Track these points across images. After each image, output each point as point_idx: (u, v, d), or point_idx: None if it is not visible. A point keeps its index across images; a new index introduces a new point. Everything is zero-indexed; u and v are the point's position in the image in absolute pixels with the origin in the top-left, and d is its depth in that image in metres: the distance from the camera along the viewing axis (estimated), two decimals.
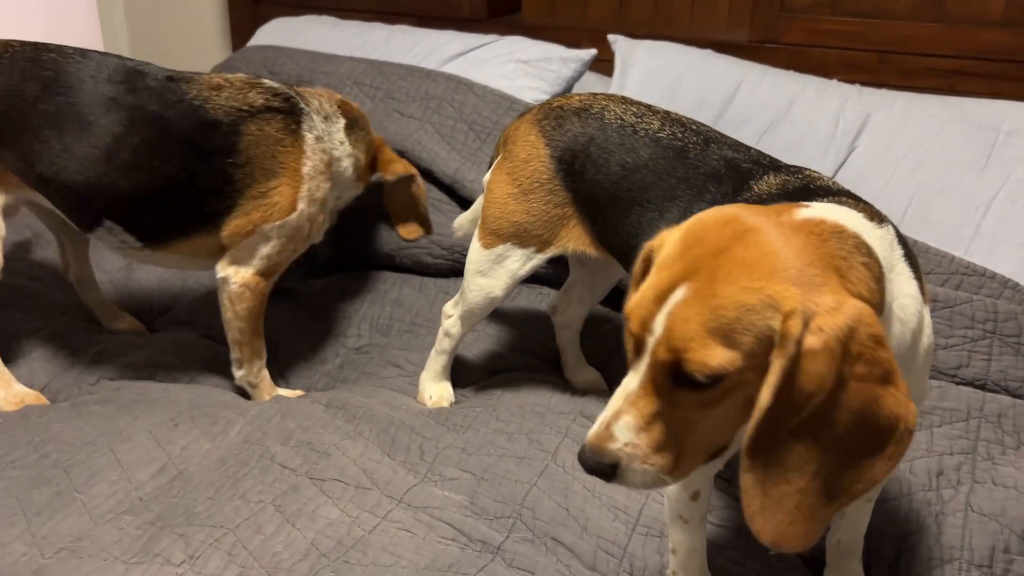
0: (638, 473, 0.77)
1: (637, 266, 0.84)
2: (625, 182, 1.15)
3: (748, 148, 1.13)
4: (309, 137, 1.44)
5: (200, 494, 1.14)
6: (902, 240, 0.89)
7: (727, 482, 1.22)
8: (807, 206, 0.80)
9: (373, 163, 1.64)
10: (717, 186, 1.06)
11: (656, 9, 2.24)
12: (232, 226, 1.39)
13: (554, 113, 1.26)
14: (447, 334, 1.42)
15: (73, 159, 1.31)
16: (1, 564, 1.02)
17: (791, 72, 1.91)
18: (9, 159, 1.33)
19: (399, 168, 1.66)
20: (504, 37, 2.13)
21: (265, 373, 1.49)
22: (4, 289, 1.64)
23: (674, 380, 0.74)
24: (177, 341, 1.60)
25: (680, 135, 1.15)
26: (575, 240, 1.26)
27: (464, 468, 1.19)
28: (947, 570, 1.06)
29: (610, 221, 1.17)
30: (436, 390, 1.44)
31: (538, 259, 1.30)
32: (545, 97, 1.94)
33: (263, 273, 1.44)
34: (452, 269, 1.78)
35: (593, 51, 2.02)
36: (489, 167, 1.36)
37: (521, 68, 2.00)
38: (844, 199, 0.91)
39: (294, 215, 1.42)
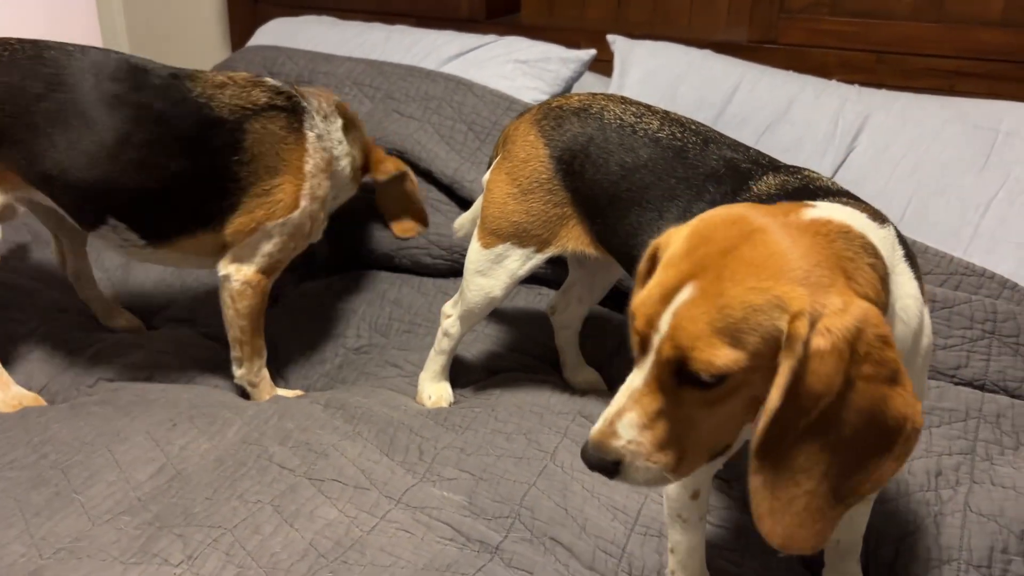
0: (641, 471, 0.77)
1: (643, 263, 0.84)
2: (624, 182, 1.15)
3: (747, 148, 1.13)
4: (311, 135, 1.45)
5: (198, 494, 1.14)
6: (902, 240, 0.90)
7: (726, 482, 1.22)
8: (813, 206, 0.80)
9: (365, 165, 1.64)
10: (716, 186, 1.06)
11: (655, 9, 2.24)
12: (236, 223, 1.39)
13: (553, 113, 1.26)
14: (446, 334, 1.42)
15: (78, 157, 1.31)
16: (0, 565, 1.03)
17: (790, 72, 1.91)
18: (11, 158, 1.32)
19: (391, 167, 1.67)
20: (503, 37, 2.13)
21: (265, 372, 1.50)
22: (2, 289, 1.65)
23: (679, 378, 0.74)
24: (175, 340, 1.60)
25: (679, 135, 1.15)
26: (574, 240, 1.26)
27: (463, 468, 1.19)
28: (945, 571, 1.06)
29: (609, 221, 1.17)
30: (435, 390, 1.44)
31: (537, 259, 1.30)
32: (544, 97, 1.94)
33: (264, 271, 1.44)
34: (451, 269, 1.78)
35: (592, 51, 2.02)
36: (488, 167, 1.36)
37: (520, 68, 2.00)
38: (844, 200, 0.91)
39: (296, 212, 1.43)
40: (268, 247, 1.43)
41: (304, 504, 1.11)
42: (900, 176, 1.66)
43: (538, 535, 1.09)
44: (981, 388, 1.38)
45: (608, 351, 1.56)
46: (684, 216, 1.06)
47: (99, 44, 2.97)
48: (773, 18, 2.05)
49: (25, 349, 1.52)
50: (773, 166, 1.07)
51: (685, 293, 0.73)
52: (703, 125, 1.19)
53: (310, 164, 1.44)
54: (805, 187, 0.99)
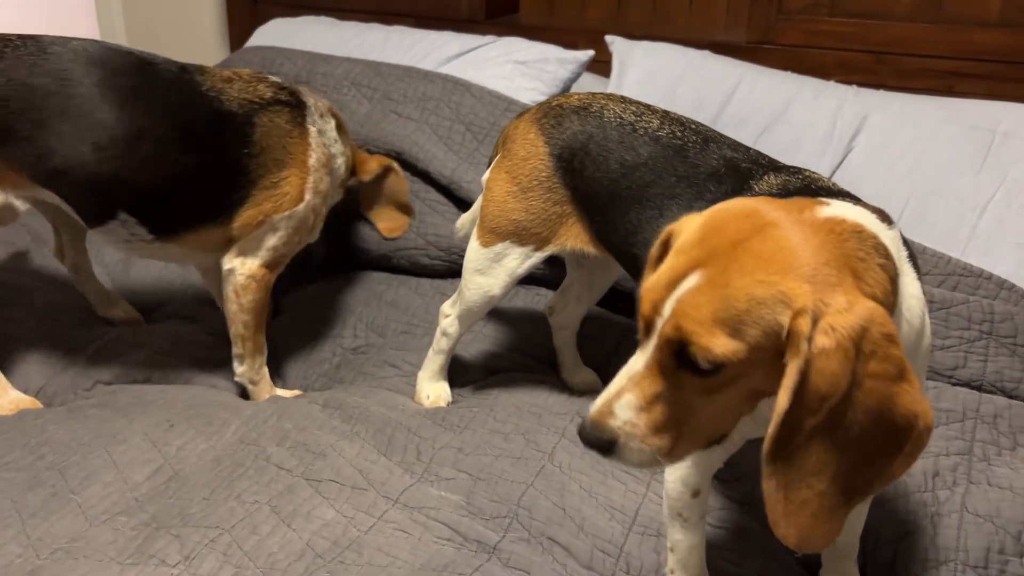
0: (635, 452, 0.78)
1: (655, 248, 0.85)
2: (625, 180, 1.15)
3: (747, 148, 1.13)
4: (313, 130, 1.48)
5: (196, 495, 1.14)
6: (905, 241, 0.90)
7: (724, 483, 1.22)
8: (828, 204, 0.80)
9: (352, 169, 1.66)
10: (717, 185, 1.06)
11: (654, 10, 2.24)
12: (244, 216, 1.40)
13: (553, 112, 1.27)
14: (445, 333, 1.42)
15: (90, 151, 1.30)
16: None
17: (788, 73, 1.91)
18: (16, 156, 1.30)
19: (374, 166, 1.68)
20: (502, 38, 2.13)
21: (265, 370, 1.50)
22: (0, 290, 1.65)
23: (678, 363, 0.75)
24: (174, 339, 1.59)
25: (679, 134, 1.15)
26: (573, 238, 1.26)
27: (460, 468, 1.19)
28: (943, 571, 1.06)
29: (609, 219, 1.18)
30: (433, 390, 1.44)
31: (537, 257, 1.30)
32: (542, 98, 1.94)
33: (268, 265, 1.45)
34: (449, 270, 1.78)
35: (590, 52, 2.02)
36: (488, 167, 1.36)
37: (519, 69, 2.00)
38: (846, 200, 0.91)
39: (301, 205, 1.45)
40: (273, 240, 1.44)
41: (302, 504, 1.11)
42: (898, 177, 1.66)
43: (536, 535, 1.09)
44: (978, 389, 1.38)
45: (606, 351, 1.56)
46: (684, 214, 1.06)
47: None
48: (771, 19, 2.05)
49: (22, 351, 1.52)
50: (774, 166, 1.07)
51: (692, 280, 0.74)
52: (703, 124, 1.19)
53: (313, 158, 1.46)
54: (807, 187, 0.99)
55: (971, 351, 1.39)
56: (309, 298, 1.81)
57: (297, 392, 1.52)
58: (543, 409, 1.33)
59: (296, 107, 1.47)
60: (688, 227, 0.79)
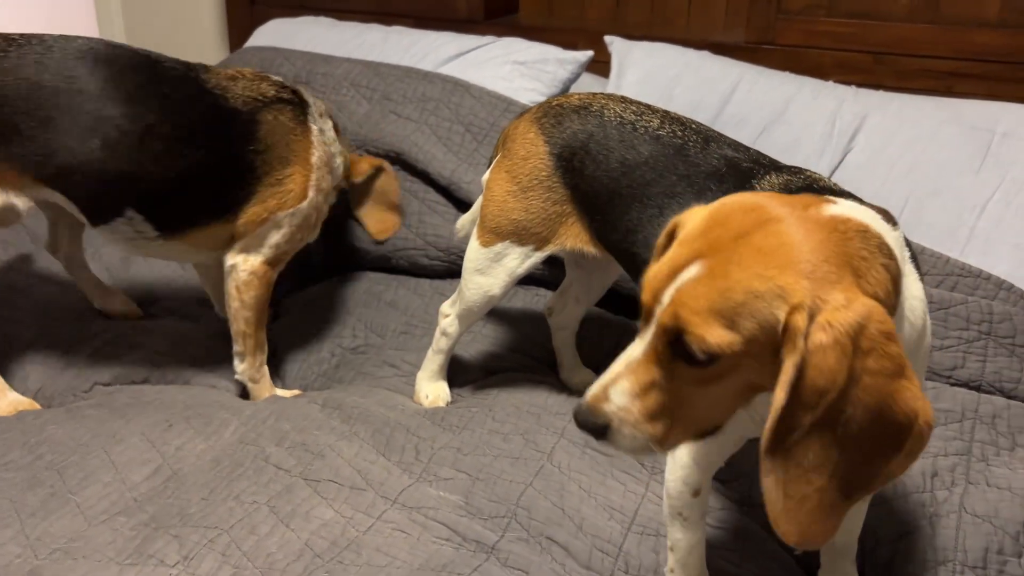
0: (627, 438, 0.78)
1: (661, 239, 0.85)
2: (625, 179, 1.15)
3: (747, 148, 1.13)
4: (314, 128, 1.49)
5: (194, 495, 1.14)
6: (907, 242, 0.90)
7: (724, 483, 1.22)
8: (835, 202, 0.80)
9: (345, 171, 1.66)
10: (718, 184, 1.06)
11: (653, 10, 2.24)
12: (249, 213, 1.41)
13: (553, 111, 1.27)
14: (444, 333, 1.42)
15: (99, 148, 1.30)
16: None
17: (787, 73, 1.91)
18: (20, 155, 1.29)
19: (366, 167, 1.68)
20: (501, 38, 2.13)
21: (266, 369, 1.50)
22: None
23: (674, 352, 0.75)
24: (173, 340, 1.59)
25: (680, 133, 1.15)
26: (573, 238, 1.26)
27: (459, 468, 1.19)
28: (941, 571, 1.06)
29: (609, 218, 1.18)
30: (432, 390, 1.44)
31: (536, 257, 1.30)
32: (541, 99, 1.94)
33: (270, 262, 1.46)
34: (448, 270, 1.78)
35: (590, 53, 2.02)
36: (488, 167, 1.36)
37: (518, 69, 2.00)
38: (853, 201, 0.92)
39: (305, 203, 1.46)
40: (276, 237, 1.45)
41: (300, 504, 1.11)
42: (897, 177, 1.66)
43: (534, 535, 1.09)
44: (977, 389, 1.38)
45: (605, 352, 1.56)
46: None
47: None
48: (770, 19, 2.05)
49: (21, 352, 1.52)
50: (775, 166, 1.07)
51: (692, 271, 0.74)
52: (703, 124, 1.19)
53: (315, 156, 1.47)
54: (808, 187, 0.99)
55: (970, 351, 1.39)
56: (308, 299, 1.81)
57: (296, 392, 1.52)
58: (542, 409, 1.33)
59: (298, 106, 1.48)
60: (693, 219, 0.80)
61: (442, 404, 1.43)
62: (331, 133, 1.55)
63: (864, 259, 0.74)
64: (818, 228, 0.74)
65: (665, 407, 0.77)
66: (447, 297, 1.47)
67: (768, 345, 0.72)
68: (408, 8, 2.50)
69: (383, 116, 1.92)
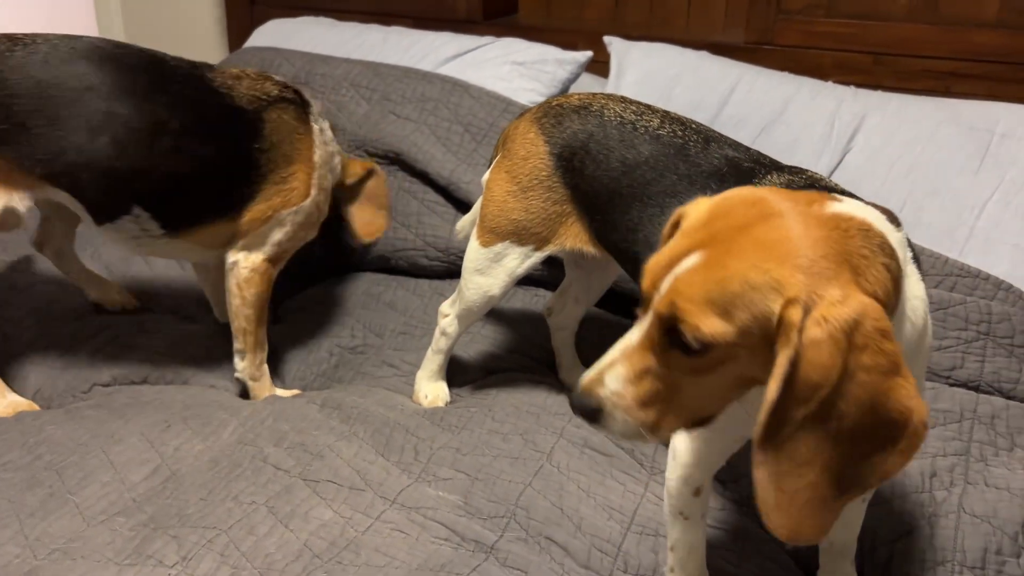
0: (619, 422, 0.79)
1: (666, 228, 0.86)
2: (626, 178, 1.15)
3: (748, 148, 1.13)
4: (316, 127, 1.50)
5: (193, 495, 1.14)
6: (909, 243, 0.90)
7: (724, 484, 1.22)
8: (840, 200, 0.80)
9: None
10: (719, 184, 1.06)
11: (652, 11, 2.24)
12: (254, 211, 1.42)
13: (553, 111, 1.27)
14: (444, 333, 1.42)
15: (108, 145, 1.30)
16: None
17: (786, 74, 1.91)
18: (29, 154, 1.28)
19: (358, 169, 1.69)
20: (500, 39, 2.13)
21: (266, 367, 1.50)
22: None
23: (669, 340, 0.76)
24: (171, 340, 1.59)
25: (680, 133, 1.15)
26: (573, 237, 1.26)
27: (458, 468, 1.19)
28: (940, 572, 1.07)
29: (610, 217, 1.18)
30: (432, 389, 1.45)
31: (536, 257, 1.30)
32: (541, 99, 1.94)
33: (272, 259, 1.47)
34: (448, 271, 1.78)
35: (589, 53, 2.02)
36: (488, 168, 1.36)
37: (517, 70, 2.00)
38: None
39: (308, 201, 1.47)
40: (279, 235, 1.45)
41: (299, 505, 1.11)
42: (896, 177, 1.66)
43: (533, 534, 1.09)
44: (976, 389, 1.38)
45: (604, 352, 1.56)
46: None
47: None
48: (770, 20, 2.05)
49: (20, 353, 1.52)
50: (776, 166, 1.07)
51: (691, 260, 0.75)
52: (703, 124, 1.20)
53: (318, 154, 1.49)
54: (811, 187, 0.99)
55: (968, 352, 1.39)
56: (307, 300, 1.81)
57: (295, 391, 1.52)
58: (541, 409, 1.33)
59: (300, 105, 1.49)
60: (697, 209, 0.81)
61: (441, 404, 1.43)
62: (329, 133, 1.56)
63: (864, 257, 0.75)
64: (819, 224, 0.74)
65: (658, 394, 0.78)
66: (446, 298, 1.47)
67: (762, 337, 0.73)
68: (407, 8, 2.50)
69: (382, 116, 1.92)
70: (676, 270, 0.75)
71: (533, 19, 2.41)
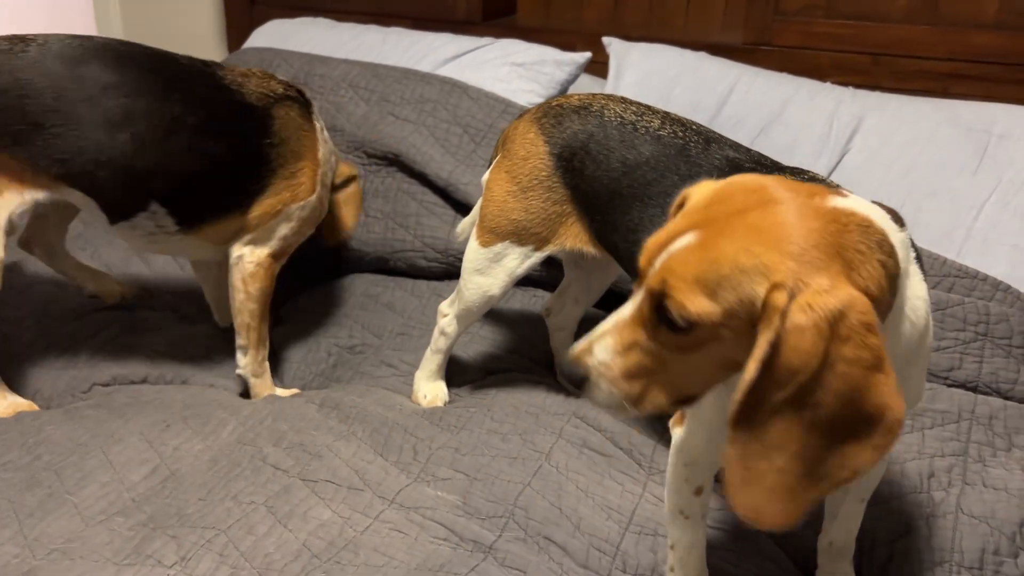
0: (603, 392, 0.81)
1: (672, 208, 0.88)
2: (626, 179, 1.16)
3: (748, 149, 1.14)
4: (318, 125, 1.53)
5: (192, 495, 1.14)
6: (912, 243, 0.90)
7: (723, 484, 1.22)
8: (843, 194, 0.81)
9: None
10: None
11: (651, 11, 2.25)
12: (264, 205, 1.43)
13: (553, 111, 1.27)
14: (443, 333, 1.42)
15: (126, 143, 1.30)
16: None
17: (785, 74, 1.91)
18: (43, 153, 1.28)
19: (345, 170, 1.70)
20: (499, 40, 2.13)
21: (267, 364, 1.51)
22: None
23: (658, 317, 0.77)
24: (171, 340, 1.60)
25: (681, 134, 1.15)
26: (573, 238, 1.27)
27: (457, 468, 1.19)
28: (938, 572, 1.07)
29: (610, 218, 1.18)
30: (431, 389, 1.45)
31: (536, 257, 1.30)
32: (540, 100, 1.94)
33: (276, 254, 1.49)
34: (446, 272, 1.78)
35: (588, 54, 2.02)
36: (488, 168, 1.37)
37: (516, 71, 2.00)
38: None
39: (313, 196, 1.49)
40: (284, 230, 1.47)
41: (298, 505, 1.11)
42: (894, 178, 1.67)
43: (532, 534, 1.09)
44: (974, 390, 1.38)
45: None
46: None
47: None
48: (768, 20, 2.05)
49: (20, 353, 1.52)
50: (776, 167, 1.07)
51: (686, 239, 0.76)
52: (703, 125, 1.20)
53: (321, 151, 1.51)
54: None
55: (967, 352, 1.40)
56: (306, 301, 1.81)
57: (295, 391, 1.52)
58: (540, 409, 1.34)
59: (303, 104, 1.51)
60: (700, 192, 0.82)
61: (440, 404, 1.43)
62: (326, 132, 1.58)
63: (860, 252, 0.75)
64: (816, 216, 0.75)
65: (644, 368, 0.79)
66: (444, 299, 1.47)
67: (747, 320, 0.73)
68: (406, 9, 2.50)
69: (381, 117, 1.92)
70: (671, 248, 0.77)
71: (532, 20, 2.42)
